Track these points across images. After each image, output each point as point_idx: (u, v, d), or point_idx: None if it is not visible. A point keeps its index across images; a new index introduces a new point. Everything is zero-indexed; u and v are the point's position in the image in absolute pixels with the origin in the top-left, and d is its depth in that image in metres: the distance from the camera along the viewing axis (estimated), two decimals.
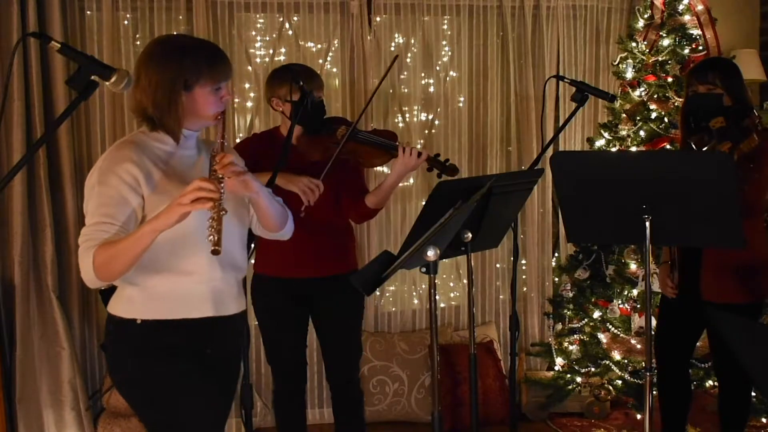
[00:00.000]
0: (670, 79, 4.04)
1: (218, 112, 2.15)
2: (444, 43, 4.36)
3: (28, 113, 3.69)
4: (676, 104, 3.97)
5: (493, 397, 4.12)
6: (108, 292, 2.22)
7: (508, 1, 4.32)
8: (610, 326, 4.08)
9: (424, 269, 2.21)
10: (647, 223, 2.49)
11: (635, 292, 4.01)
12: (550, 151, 3.36)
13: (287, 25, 4.11)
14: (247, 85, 4.12)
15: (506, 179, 2.57)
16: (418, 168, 2.98)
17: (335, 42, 4.16)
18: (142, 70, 2.08)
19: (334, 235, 3.07)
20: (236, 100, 4.10)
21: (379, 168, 4.09)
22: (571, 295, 4.26)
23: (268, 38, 4.13)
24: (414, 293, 4.41)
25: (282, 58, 4.11)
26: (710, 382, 3.92)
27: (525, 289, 4.55)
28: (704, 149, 2.80)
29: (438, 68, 4.33)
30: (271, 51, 4.11)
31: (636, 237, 2.54)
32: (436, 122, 4.33)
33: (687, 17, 4.12)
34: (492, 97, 4.38)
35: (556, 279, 4.50)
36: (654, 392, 2.84)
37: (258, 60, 4.12)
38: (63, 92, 3.74)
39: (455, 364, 4.11)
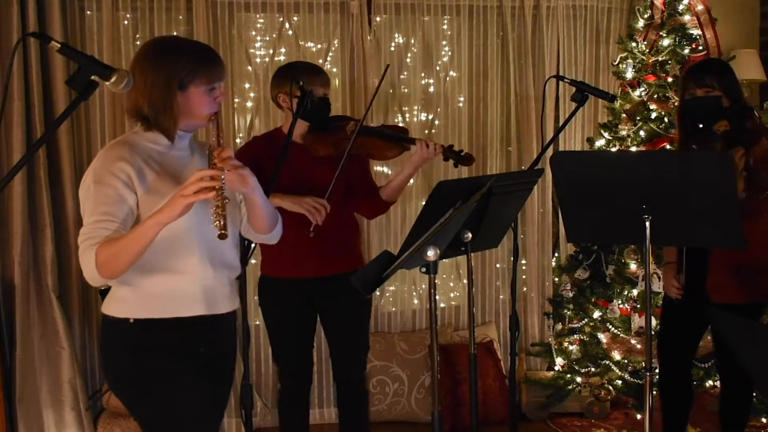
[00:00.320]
0: (670, 79, 4.04)
1: (212, 112, 2.16)
2: (444, 43, 4.36)
3: (28, 113, 3.69)
4: (676, 104, 3.96)
5: (493, 397, 4.12)
6: (108, 292, 2.22)
7: (508, 1, 4.32)
8: (610, 326, 4.08)
9: (424, 269, 2.21)
10: (647, 223, 2.48)
11: (635, 292, 4.01)
12: (550, 151, 3.36)
13: (287, 25, 4.11)
14: (247, 85, 4.12)
15: (506, 179, 2.57)
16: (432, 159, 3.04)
17: (335, 42, 4.16)
18: (137, 71, 2.10)
19: (341, 233, 3.07)
20: (236, 100, 4.10)
21: (378, 168, 4.10)
22: (571, 295, 4.26)
23: (268, 38, 4.13)
24: (414, 293, 4.41)
25: (282, 58, 4.11)
26: (710, 382, 3.92)
27: (525, 289, 4.55)
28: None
29: (438, 68, 4.33)
30: (271, 51, 4.11)
31: (636, 237, 2.54)
32: (436, 122, 4.33)
33: (687, 17, 4.12)
34: (492, 97, 4.38)
35: (556, 279, 4.50)
36: (654, 392, 2.84)
37: (258, 60, 4.12)
38: (63, 92, 3.74)
39: (455, 364, 4.11)
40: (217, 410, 2.32)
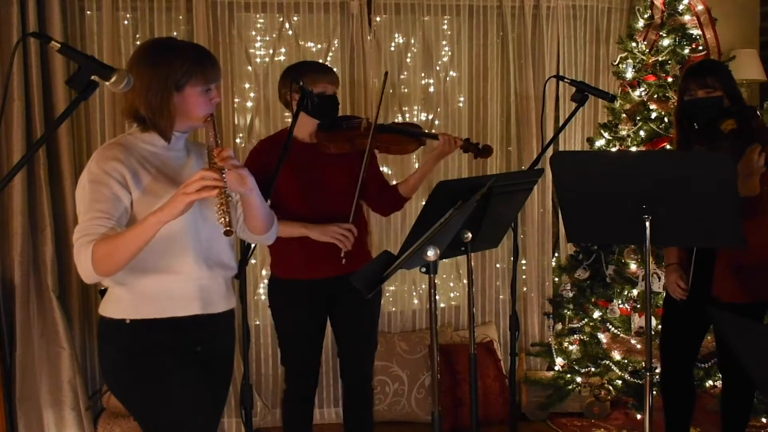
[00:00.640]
0: (670, 79, 4.04)
1: (208, 113, 2.17)
2: (444, 43, 4.36)
3: (28, 113, 3.69)
4: (676, 104, 3.97)
5: (493, 397, 4.12)
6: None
7: (508, 1, 4.32)
8: (610, 326, 4.08)
9: (424, 269, 2.21)
10: (647, 223, 2.49)
11: (635, 292, 4.01)
12: (550, 151, 3.36)
13: (287, 25, 4.11)
14: (247, 85, 4.12)
15: (506, 179, 2.57)
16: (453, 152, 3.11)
17: (335, 42, 4.16)
18: (133, 72, 2.10)
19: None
20: (236, 100, 4.10)
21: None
22: (571, 295, 4.26)
23: (268, 38, 4.13)
24: (414, 293, 4.41)
25: (282, 58, 4.11)
26: (710, 382, 3.92)
27: (525, 289, 4.55)
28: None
29: (438, 68, 4.33)
30: (271, 51, 4.11)
31: (636, 237, 2.54)
32: (436, 122, 4.33)
33: (687, 17, 4.12)
34: (492, 97, 4.38)
35: (556, 279, 4.50)
36: (655, 392, 2.84)
37: (258, 60, 4.12)
38: (63, 92, 3.74)
39: (455, 364, 4.11)
40: (215, 409, 2.32)
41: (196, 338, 2.22)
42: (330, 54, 4.15)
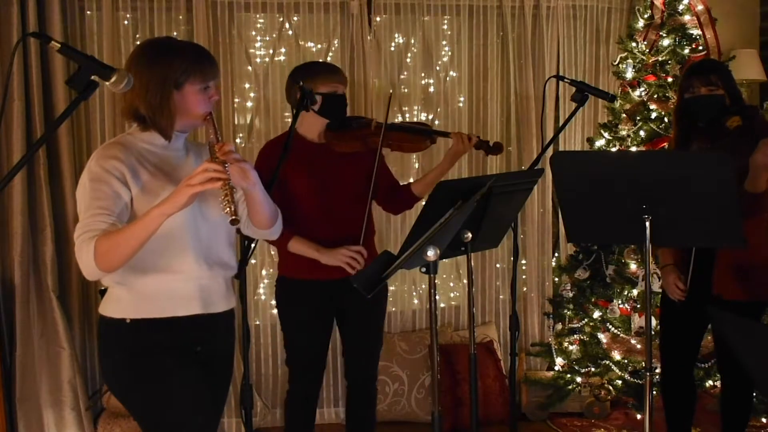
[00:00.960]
0: (670, 79, 4.04)
1: (207, 111, 2.18)
2: (444, 43, 4.36)
3: (28, 113, 3.69)
4: (676, 102, 3.97)
5: (493, 397, 4.12)
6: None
7: (508, 1, 4.32)
8: (610, 326, 4.08)
9: (424, 269, 2.22)
10: (647, 223, 2.49)
11: (635, 292, 4.01)
12: (550, 151, 3.36)
13: (287, 25, 4.11)
14: (247, 85, 4.12)
15: (506, 179, 2.57)
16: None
17: (335, 42, 4.16)
18: (132, 72, 2.10)
19: (357, 232, 3.04)
20: (236, 100, 4.10)
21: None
22: (571, 295, 4.26)
23: (268, 38, 4.13)
24: (414, 293, 4.41)
25: (282, 58, 4.11)
26: (710, 382, 3.92)
27: (525, 289, 4.55)
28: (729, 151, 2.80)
29: (438, 68, 4.33)
30: (271, 51, 4.11)
31: (636, 237, 2.54)
32: (437, 122, 4.33)
33: (687, 17, 4.12)
34: (492, 97, 4.38)
35: (556, 279, 4.50)
36: (655, 392, 2.83)
37: (258, 60, 4.12)
38: (63, 92, 3.74)
39: (455, 364, 4.11)
40: (215, 409, 2.32)
41: (196, 338, 2.22)
42: (330, 54, 4.15)
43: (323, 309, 3.05)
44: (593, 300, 4.15)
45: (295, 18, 4.11)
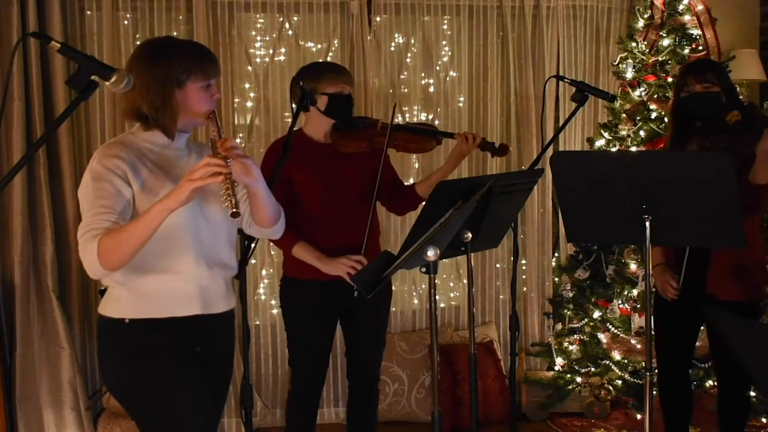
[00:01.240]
0: (670, 79, 4.04)
1: (209, 110, 2.18)
2: (444, 43, 4.36)
3: (28, 113, 3.69)
4: (671, 101, 3.97)
5: (493, 397, 4.12)
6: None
7: (508, 1, 4.33)
8: (610, 326, 4.08)
9: (424, 269, 2.21)
10: (647, 223, 2.49)
11: (635, 292, 4.01)
12: (550, 151, 3.36)
13: (287, 25, 4.11)
14: (247, 85, 4.12)
15: (506, 179, 2.57)
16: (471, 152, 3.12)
17: (335, 42, 4.16)
18: (133, 72, 2.11)
19: (362, 232, 3.03)
20: (236, 100, 4.10)
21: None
22: (571, 295, 4.26)
23: (268, 38, 4.13)
24: (414, 293, 4.41)
25: (282, 58, 4.11)
26: (710, 382, 3.92)
27: (525, 289, 4.55)
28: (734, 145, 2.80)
29: (438, 68, 4.33)
30: (271, 51, 4.11)
31: (636, 237, 2.54)
32: (437, 122, 4.33)
33: (687, 17, 4.12)
34: (492, 97, 4.38)
35: (556, 279, 4.50)
36: (654, 392, 2.83)
37: (258, 60, 4.12)
38: (63, 92, 3.74)
39: (455, 364, 4.11)
40: (214, 409, 2.32)
41: (196, 338, 2.22)
42: (330, 54, 4.15)
43: (327, 309, 3.05)
44: (593, 300, 4.15)
45: (295, 18, 4.11)
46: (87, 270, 2.03)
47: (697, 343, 3.24)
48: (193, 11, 3.93)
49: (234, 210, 1.96)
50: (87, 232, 2.01)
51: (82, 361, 3.94)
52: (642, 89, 4.12)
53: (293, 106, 3.01)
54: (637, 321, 3.99)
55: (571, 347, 4.26)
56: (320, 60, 4.08)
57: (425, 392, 4.13)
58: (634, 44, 4.20)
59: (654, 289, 3.16)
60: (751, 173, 2.76)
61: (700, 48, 4.09)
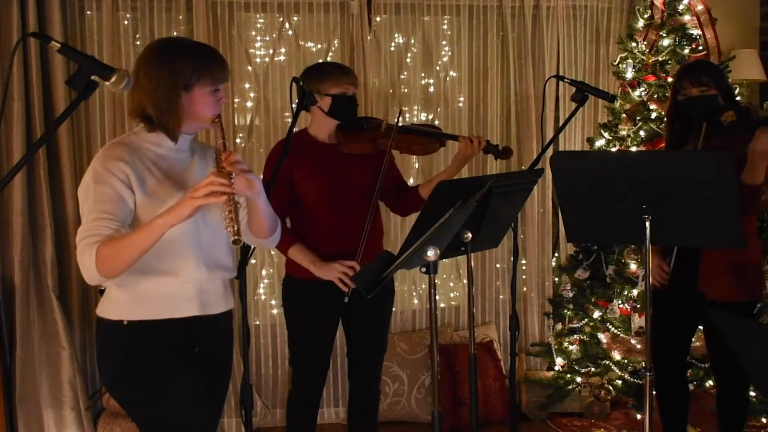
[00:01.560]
0: (670, 79, 4.04)
1: (215, 114, 2.17)
2: (444, 43, 4.36)
3: (28, 113, 3.69)
4: (668, 103, 3.97)
5: (493, 397, 4.12)
6: None
7: (508, 1, 4.33)
8: (610, 326, 4.08)
9: (424, 269, 2.21)
10: (647, 223, 2.48)
11: (635, 292, 4.01)
12: (550, 151, 3.36)
13: (287, 25, 4.11)
14: (247, 85, 4.12)
15: (506, 179, 2.57)
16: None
17: (335, 42, 4.16)
18: (141, 71, 2.10)
19: (363, 232, 3.02)
20: (236, 100, 4.10)
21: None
22: (571, 295, 4.26)
23: (268, 38, 4.13)
24: (414, 293, 4.41)
25: (282, 58, 4.11)
26: (710, 382, 3.92)
27: (525, 289, 4.55)
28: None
29: (438, 68, 4.34)
30: (271, 51, 4.11)
31: (636, 237, 2.54)
32: (437, 122, 4.33)
33: (687, 17, 4.12)
34: (492, 97, 4.39)
35: (556, 279, 4.50)
36: (654, 392, 2.83)
37: (258, 60, 4.12)
38: (63, 92, 3.74)
39: (455, 364, 4.11)
40: (214, 410, 2.32)
41: (195, 339, 2.22)
42: (330, 54, 4.15)
43: (330, 309, 3.04)
44: (593, 300, 4.15)
45: (295, 18, 4.11)
46: (84, 276, 2.02)
47: (697, 343, 3.24)
48: (193, 11, 3.93)
49: (235, 237, 1.95)
50: (86, 238, 2.00)
51: (82, 361, 3.94)
52: (642, 89, 4.12)
53: (293, 106, 3.02)
54: (637, 321, 3.99)
55: (571, 347, 4.26)
56: (320, 60, 4.09)
57: (425, 392, 4.13)
58: (634, 44, 4.20)
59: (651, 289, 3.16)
60: (744, 173, 2.77)
61: (700, 48, 4.10)
